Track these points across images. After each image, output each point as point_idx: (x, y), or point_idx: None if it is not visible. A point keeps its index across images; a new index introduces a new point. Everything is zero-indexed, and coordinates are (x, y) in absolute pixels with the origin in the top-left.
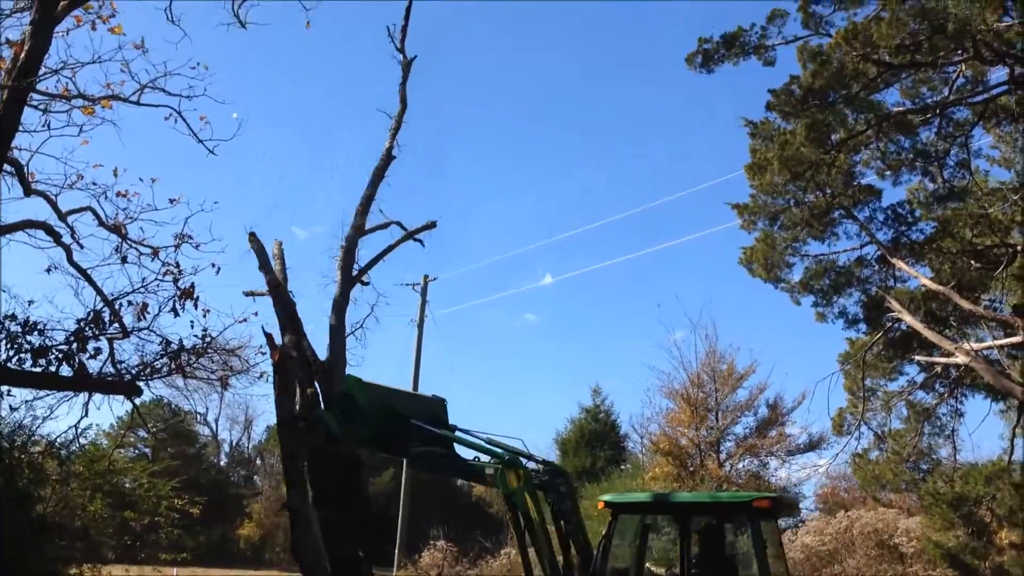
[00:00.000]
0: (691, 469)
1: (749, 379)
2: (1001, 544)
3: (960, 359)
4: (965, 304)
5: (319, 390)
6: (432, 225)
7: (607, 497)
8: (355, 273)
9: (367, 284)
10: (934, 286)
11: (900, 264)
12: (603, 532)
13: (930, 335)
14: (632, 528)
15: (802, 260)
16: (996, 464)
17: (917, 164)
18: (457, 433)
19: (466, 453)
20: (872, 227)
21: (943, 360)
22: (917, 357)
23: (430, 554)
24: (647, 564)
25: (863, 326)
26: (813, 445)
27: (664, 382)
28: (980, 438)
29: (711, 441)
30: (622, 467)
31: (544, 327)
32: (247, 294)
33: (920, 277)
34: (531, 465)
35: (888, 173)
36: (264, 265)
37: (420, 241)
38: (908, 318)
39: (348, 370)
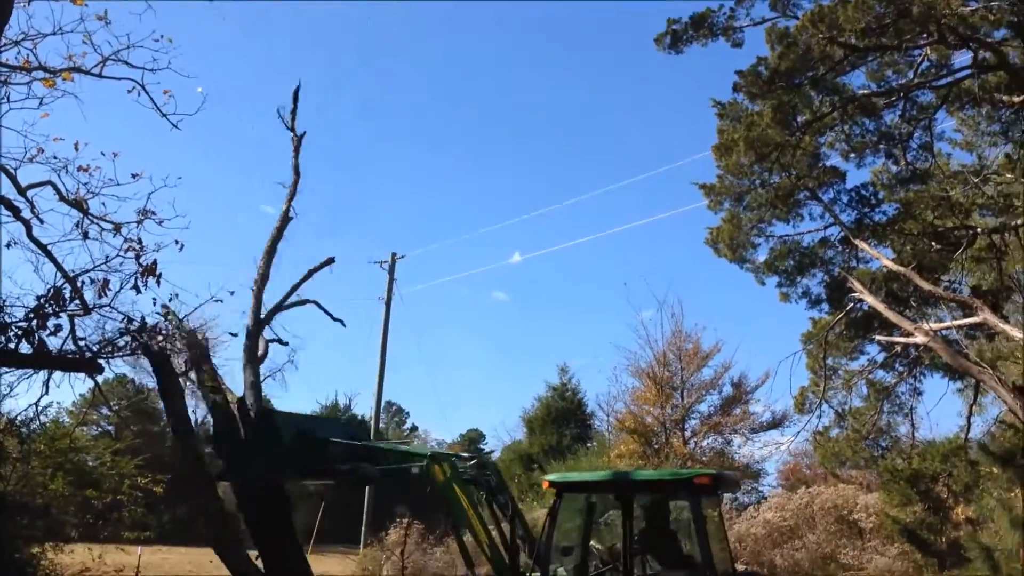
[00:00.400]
0: (656, 447)
1: (714, 358)
2: (957, 520)
3: (919, 339)
4: (925, 285)
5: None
6: (331, 261)
7: (551, 477)
8: (263, 317)
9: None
10: (895, 267)
11: (863, 245)
12: (547, 511)
13: (891, 315)
14: (576, 507)
15: (767, 240)
16: (953, 442)
17: (881, 147)
18: (377, 443)
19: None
20: (836, 208)
21: (903, 340)
22: (878, 337)
23: (396, 532)
24: (591, 542)
25: (826, 306)
26: (776, 423)
27: (631, 361)
28: (938, 416)
29: (676, 419)
30: (588, 445)
31: (513, 305)
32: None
33: (882, 258)
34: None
35: (852, 155)
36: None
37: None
38: (869, 299)
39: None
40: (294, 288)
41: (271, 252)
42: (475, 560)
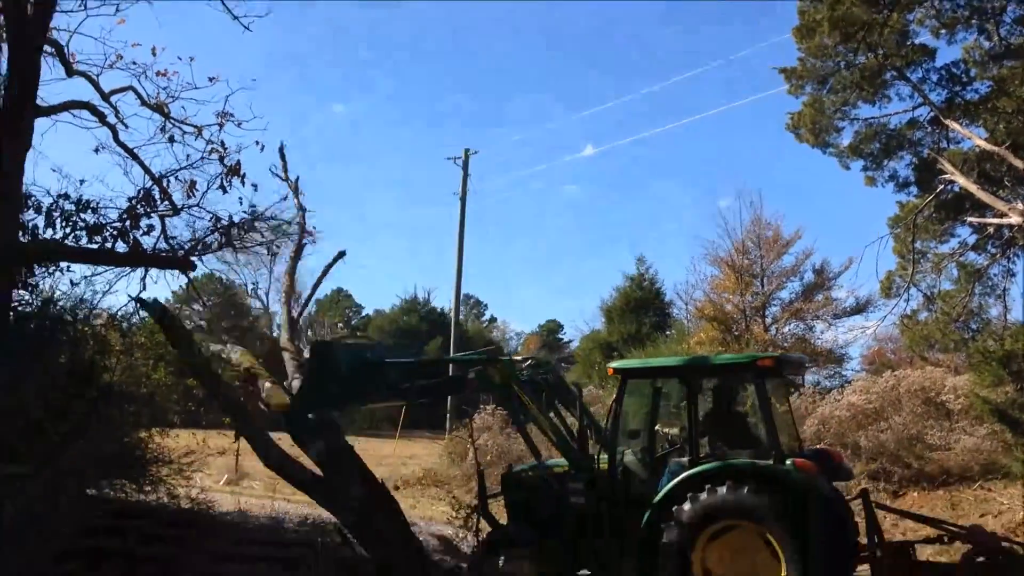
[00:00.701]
0: (736, 334)
1: (795, 245)
2: None
3: (1013, 219)
4: (1020, 164)
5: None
6: (342, 255)
7: (615, 364)
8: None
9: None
10: (988, 146)
11: (953, 125)
12: (613, 398)
13: (983, 196)
14: (641, 392)
15: (852, 124)
16: None
17: (973, 21)
18: (432, 357)
19: None
20: (925, 88)
21: (996, 221)
22: (969, 218)
23: (480, 418)
24: (657, 426)
25: (914, 189)
26: (860, 308)
27: (709, 250)
28: None
29: (756, 306)
30: (667, 333)
31: (586, 198)
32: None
33: (974, 138)
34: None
35: (943, 32)
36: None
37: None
38: (961, 179)
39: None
40: (315, 288)
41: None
42: (544, 453)
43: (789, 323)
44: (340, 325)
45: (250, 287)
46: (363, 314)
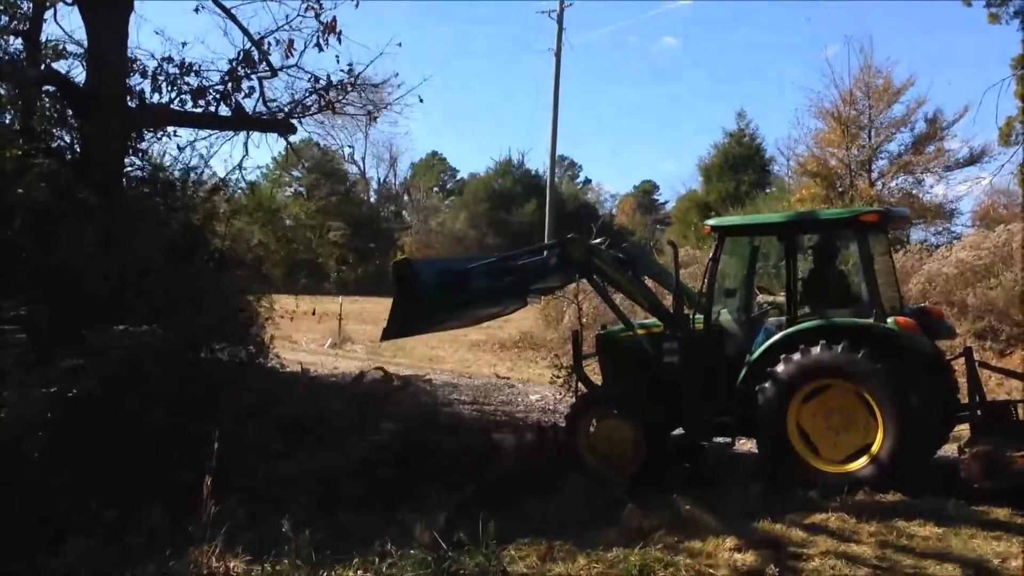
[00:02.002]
0: (840, 190)
1: (906, 93)
2: None
3: None
4: None
5: None
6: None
7: (712, 221)
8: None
9: None
10: None
11: None
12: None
13: None
14: (738, 250)
15: None
16: None
17: None
18: (509, 253)
19: None
20: None
21: None
22: None
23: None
24: (756, 285)
25: None
26: (974, 159)
27: (814, 102)
28: None
29: (862, 160)
30: (767, 191)
31: (684, 51)
32: None
33: None
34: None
35: None
36: None
37: None
38: None
39: None
40: None
41: None
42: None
43: (897, 177)
44: (435, 189)
45: (346, 152)
46: (458, 178)
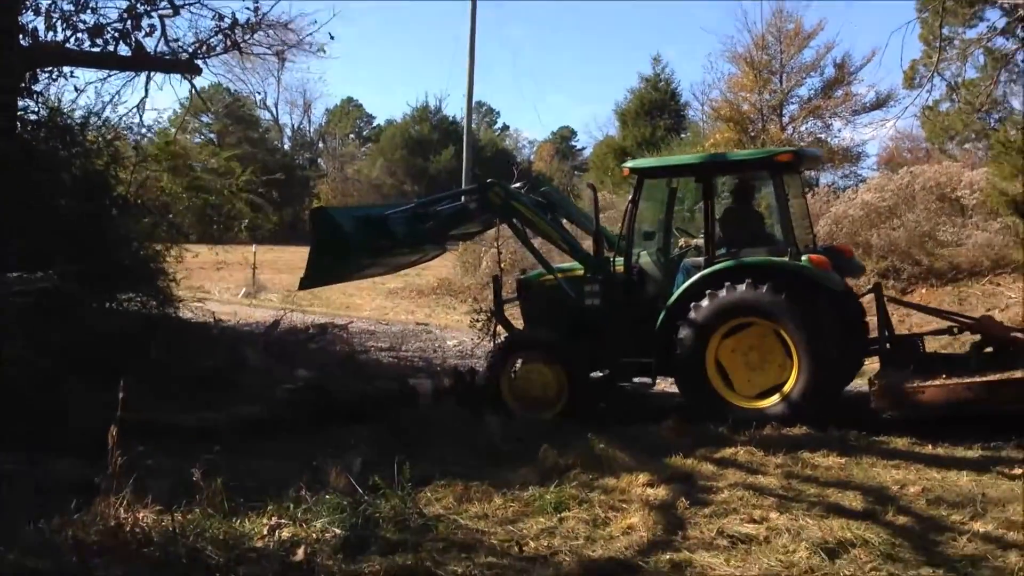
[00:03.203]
0: (752, 134)
1: (816, 38)
2: None
3: None
4: None
5: None
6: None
7: (630, 164)
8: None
9: None
10: None
11: None
12: (628, 198)
13: None
14: (656, 192)
15: None
16: None
17: None
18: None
19: None
20: None
21: None
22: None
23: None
24: (674, 227)
25: None
26: (880, 103)
27: (727, 46)
28: None
29: (774, 105)
30: (682, 136)
31: None
32: None
33: None
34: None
35: None
36: None
37: None
38: None
39: None
40: None
41: None
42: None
43: (807, 122)
44: (351, 136)
45: (258, 98)
46: (374, 124)
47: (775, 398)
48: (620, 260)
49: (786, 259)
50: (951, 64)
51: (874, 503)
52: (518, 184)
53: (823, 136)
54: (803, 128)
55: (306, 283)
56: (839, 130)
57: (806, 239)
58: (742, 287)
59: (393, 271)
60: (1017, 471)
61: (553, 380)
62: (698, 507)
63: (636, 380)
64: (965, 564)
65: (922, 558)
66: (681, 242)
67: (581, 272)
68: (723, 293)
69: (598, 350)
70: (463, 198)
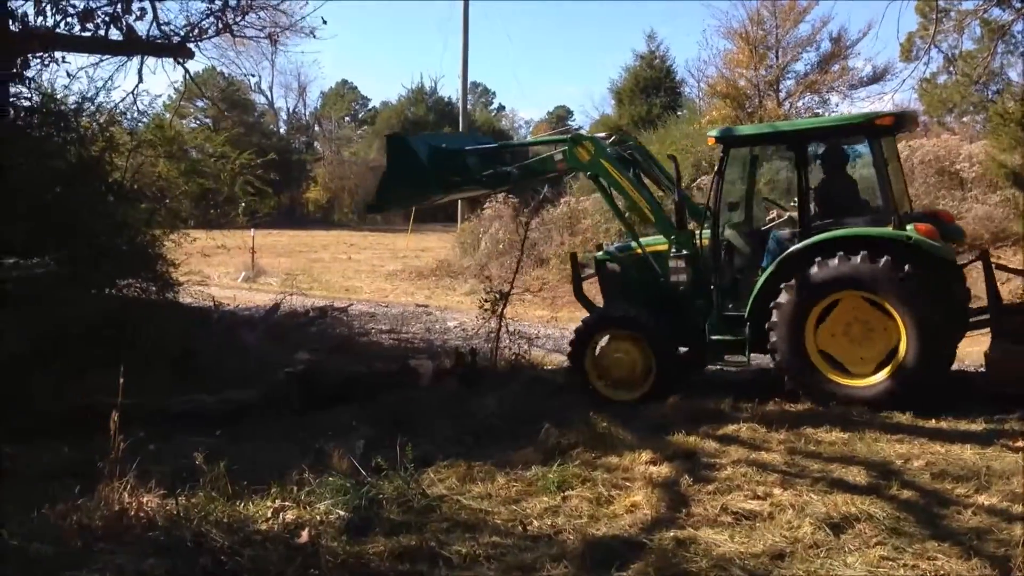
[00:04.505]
0: (749, 111)
1: (812, 12)
2: None
3: None
4: None
5: None
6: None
7: (715, 132)
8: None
9: None
10: None
11: None
12: (715, 169)
13: None
14: (744, 162)
15: None
16: None
17: None
18: (512, 142)
19: None
20: None
21: None
22: None
23: (492, 207)
24: (764, 197)
25: None
26: (877, 77)
27: (722, 22)
28: None
29: (770, 80)
30: (678, 113)
31: None
32: None
33: None
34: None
35: None
36: None
37: None
38: None
39: None
40: None
41: None
42: (640, 230)
43: (803, 97)
44: (347, 119)
45: (252, 81)
46: (369, 107)
47: (888, 370)
48: (707, 233)
49: (890, 229)
50: (948, 36)
51: (878, 478)
52: (606, 135)
53: (820, 111)
54: (800, 103)
55: (375, 208)
56: (836, 105)
57: (904, 207)
58: (844, 259)
59: (452, 200)
60: (1020, 443)
61: (641, 360)
62: (701, 484)
63: (728, 358)
64: (970, 537)
65: (927, 532)
66: (773, 213)
67: (665, 246)
68: (823, 266)
69: (684, 326)
70: (551, 147)
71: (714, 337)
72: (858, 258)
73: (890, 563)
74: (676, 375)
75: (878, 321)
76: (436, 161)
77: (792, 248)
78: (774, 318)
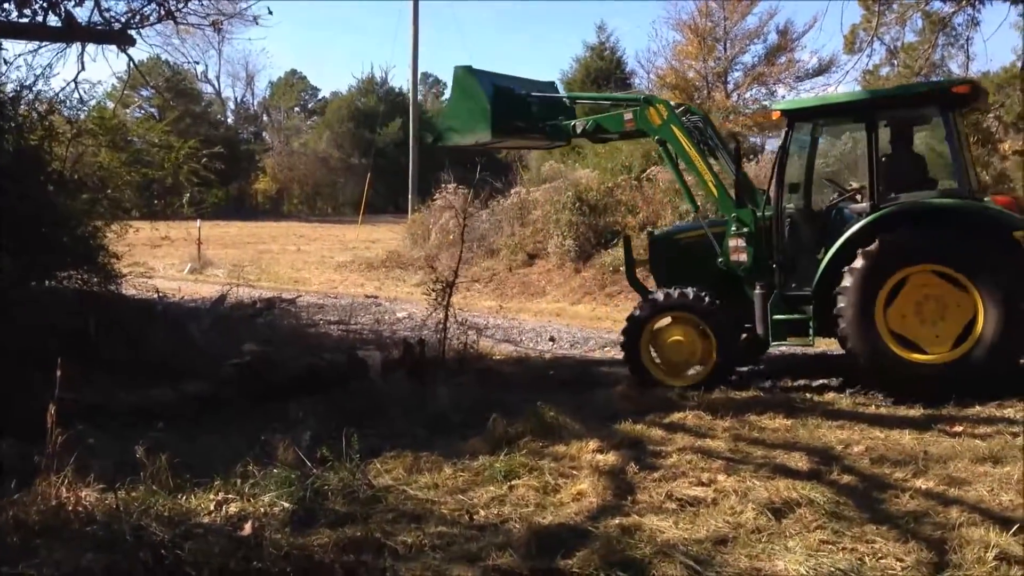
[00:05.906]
0: (698, 102)
1: (759, 5)
2: (1005, 153)
3: None
4: None
5: None
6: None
7: (780, 105)
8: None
9: None
10: None
11: None
12: (779, 145)
13: None
14: (809, 137)
15: None
16: (1008, 71)
17: None
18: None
19: None
20: None
21: None
22: None
23: (442, 197)
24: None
25: None
26: (822, 69)
27: (672, 14)
28: (994, 48)
29: (719, 72)
30: None
31: None
32: None
33: None
34: None
35: None
36: None
37: None
38: None
39: None
40: None
41: None
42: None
43: (751, 88)
44: (296, 109)
45: (198, 69)
46: (319, 97)
47: (967, 345)
48: (768, 211)
49: (969, 200)
50: (890, 28)
51: (819, 463)
52: (677, 104)
53: (768, 103)
54: (748, 95)
55: (437, 140)
56: (783, 96)
57: (974, 180)
58: (912, 233)
59: (506, 146)
60: (957, 428)
61: (700, 344)
62: (647, 472)
63: (791, 339)
64: (907, 520)
65: (866, 515)
66: (835, 193)
67: (722, 228)
68: (890, 241)
69: (747, 307)
70: (621, 106)
71: (777, 317)
72: (933, 230)
73: (829, 547)
74: (736, 361)
75: (951, 296)
76: (499, 102)
77: (863, 222)
78: (840, 303)
